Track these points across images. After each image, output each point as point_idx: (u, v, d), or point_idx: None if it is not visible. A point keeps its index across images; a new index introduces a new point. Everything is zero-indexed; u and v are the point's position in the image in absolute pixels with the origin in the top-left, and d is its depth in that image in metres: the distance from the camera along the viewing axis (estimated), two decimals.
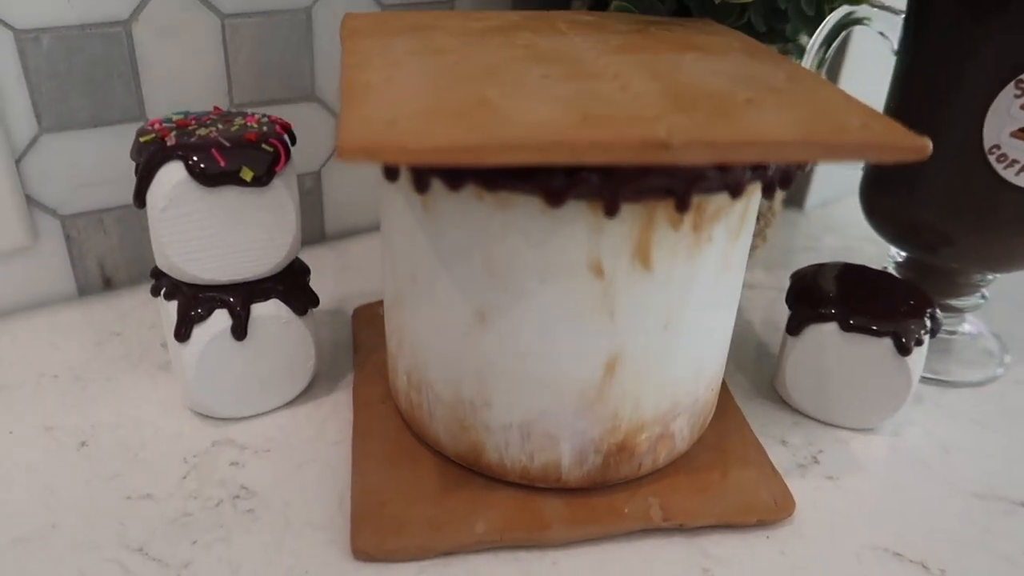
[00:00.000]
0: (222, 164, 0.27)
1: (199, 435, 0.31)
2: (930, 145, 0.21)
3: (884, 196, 0.36)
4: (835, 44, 0.37)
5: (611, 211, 0.21)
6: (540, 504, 0.27)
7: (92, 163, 0.37)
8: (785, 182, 0.24)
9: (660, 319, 0.24)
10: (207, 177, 0.27)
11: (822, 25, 0.36)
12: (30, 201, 0.36)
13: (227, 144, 0.27)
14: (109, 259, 0.39)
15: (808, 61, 0.37)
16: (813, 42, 0.36)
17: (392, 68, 0.24)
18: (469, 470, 0.28)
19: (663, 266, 0.23)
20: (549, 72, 0.24)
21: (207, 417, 0.32)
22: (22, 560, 0.25)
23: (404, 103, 0.21)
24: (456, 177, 0.22)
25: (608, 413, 0.26)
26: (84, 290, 0.40)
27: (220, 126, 0.29)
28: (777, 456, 0.32)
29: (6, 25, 0.33)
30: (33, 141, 0.35)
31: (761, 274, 0.45)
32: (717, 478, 0.29)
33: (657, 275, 0.23)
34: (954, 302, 0.38)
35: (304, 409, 0.33)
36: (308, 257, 0.35)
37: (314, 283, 0.33)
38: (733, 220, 0.24)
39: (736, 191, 0.22)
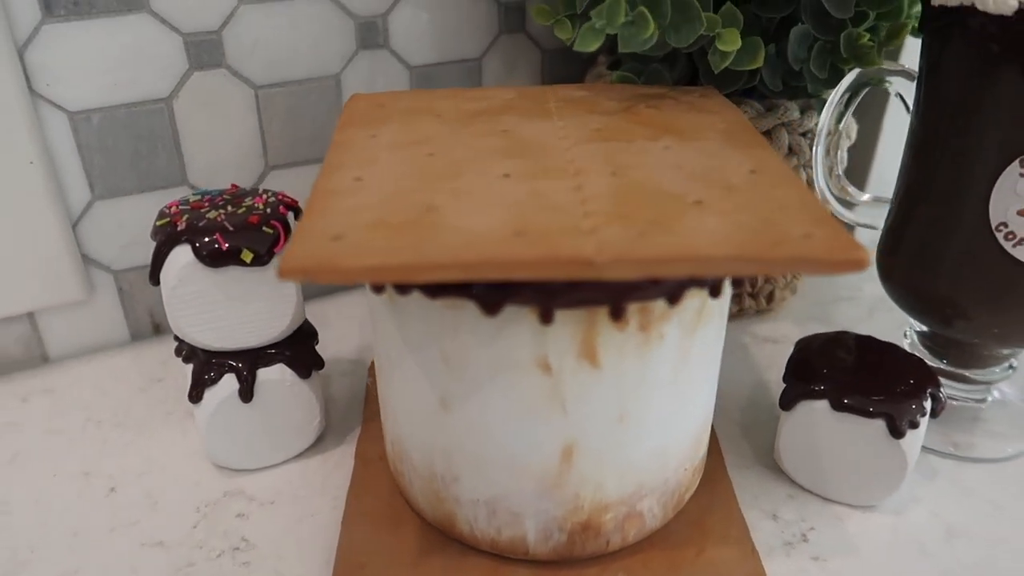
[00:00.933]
0: (225, 247, 0.29)
1: (214, 485, 0.34)
2: (867, 260, 0.21)
3: (900, 263, 0.35)
4: (854, 104, 0.36)
5: (546, 319, 0.22)
6: (509, 574, 0.28)
7: (140, 224, 0.41)
8: (737, 283, 0.24)
9: (613, 412, 0.25)
10: (211, 259, 0.29)
11: (837, 87, 0.36)
12: (86, 259, 0.40)
13: (231, 228, 0.30)
14: (157, 307, 0.43)
15: (823, 122, 0.36)
16: (828, 105, 0.36)
17: (365, 168, 0.26)
18: (447, 536, 0.30)
19: (611, 363, 0.24)
20: (512, 170, 0.25)
21: (223, 468, 0.34)
22: None
23: (357, 214, 0.23)
24: (401, 286, 0.23)
25: (569, 495, 0.26)
26: (136, 336, 0.43)
27: (229, 208, 0.31)
28: (764, 532, 0.31)
29: (60, 108, 0.37)
30: (87, 207, 0.39)
31: (788, 327, 0.45)
32: (692, 556, 0.29)
33: (606, 372, 0.24)
34: (978, 375, 0.36)
35: (313, 462, 0.35)
36: (335, 306, 0.37)
37: (338, 332, 0.35)
38: (687, 317, 0.25)
39: (674, 299, 0.22)
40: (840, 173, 0.38)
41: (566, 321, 0.23)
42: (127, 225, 0.40)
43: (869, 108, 0.37)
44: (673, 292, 0.22)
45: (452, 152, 0.27)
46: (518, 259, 0.20)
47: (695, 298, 0.24)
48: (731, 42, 0.32)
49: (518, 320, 0.23)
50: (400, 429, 0.29)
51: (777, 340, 0.43)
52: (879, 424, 0.30)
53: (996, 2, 0.26)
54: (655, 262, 0.21)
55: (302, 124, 0.43)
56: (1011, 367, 0.36)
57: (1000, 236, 0.30)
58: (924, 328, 0.37)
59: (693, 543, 0.30)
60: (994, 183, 0.29)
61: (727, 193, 0.24)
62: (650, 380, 0.25)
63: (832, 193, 0.37)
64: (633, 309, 0.23)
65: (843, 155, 0.43)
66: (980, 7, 0.26)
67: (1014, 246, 0.30)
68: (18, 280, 0.39)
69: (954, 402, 0.37)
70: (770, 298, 0.45)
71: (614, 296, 0.22)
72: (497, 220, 0.22)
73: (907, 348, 0.37)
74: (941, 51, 0.30)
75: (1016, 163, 0.29)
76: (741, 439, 0.36)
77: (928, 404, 0.31)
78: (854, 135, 0.43)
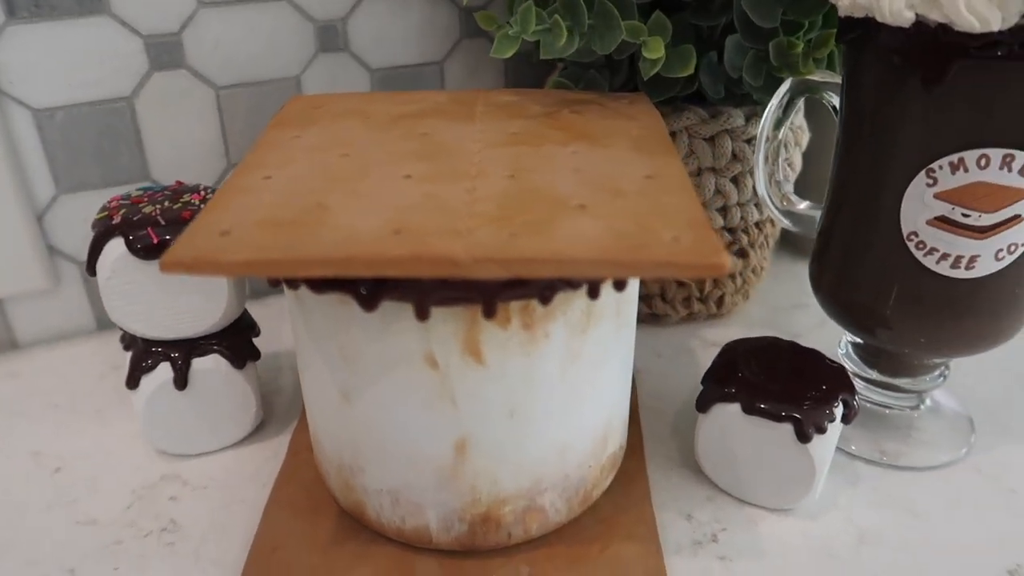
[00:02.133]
0: (155, 241, 0.31)
1: (152, 469, 0.35)
2: (726, 266, 0.21)
3: (826, 272, 0.35)
4: (793, 112, 0.36)
5: (422, 316, 0.23)
6: (415, 563, 0.29)
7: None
8: (619, 285, 0.25)
9: (503, 408, 0.26)
10: (143, 252, 0.31)
11: (774, 95, 0.36)
12: (52, 250, 0.42)
13: (163, 223, 0.31)
14: None
15: (762, 129, 0.36)
16: (766, 112, 0.36)
17: (278, 168, 0.27)
18: (361, 524, 0.31)
19: (496, 361, 0.25)
20: (416, 172, 0.26)
21: (163, 453, 0.36)
22: None
23: (252, 211, 0.24)
24: (289, 280, 0.24)
25: (466, 488, 0.27)
26: (102, 324, 0.45)
27: (167, 204, 0.33)
28: (677, 531, 0.32)
29: (25, 105, 0.39)
30: (52, 200, 0.41)
31: (738, 332, 0.45)
32: (596, 552, 0.30)
33: (491, 369, 0.25)
34: (909, 384, 0.36)
35: (249, 451, 0.36)
36: None
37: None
38: (574, 317, 0.25)
39: (545, 300, 0.23)
40: (780, 179, 0.38)
41: (446, 318, 0.24)
42: (92, 218, 0.42)
43: (830, 117, 0.38)
44: (543, 293, 0.23)
45: (366, 154, 0.28)
46: (387, 257, 0.21)
47: (578, 299, 0.25)
48: (655, 50, 0.33)
49: (400, 316, 0.24)
50: (314, 421, 0.30)
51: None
52: (787, 428, 0.31)
53: (893, 14, 0.26)
54: (518, 263, 0.21)
55: (263, 124, 0.44)
56: (943, 376, 0.36)
57: (911, 246, 0.30)
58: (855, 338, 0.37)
59: (599, 539, 0.30)
60: (903, 193, 0.30)
61: (613, 198, 0.25)
62: (538, 378, 0.26)
63: (771, 199, 0.38)
64: (514, 308, 0.24)
65: (795, 161, 0.43)
66: (880, 19, 0.27)
67: (924, 255, 0.30)
68: None
69: (887, 411, 0.37)
70: (720, 303, 0.45)
71: (485, 295, 0.23)
72: (382, 220, 0.23)
73: (841, 358, 0.38)
74: (855, 63, 0.31)
75: (923, 173, 0.29)
76: (671, 440, 0.37)
77: (839, 410, 0.31)
78: (805, 142, 0.43)
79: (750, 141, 0.41)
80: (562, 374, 0.26)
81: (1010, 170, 0.28)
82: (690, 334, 0.45)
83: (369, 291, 0.23)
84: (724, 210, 0.42)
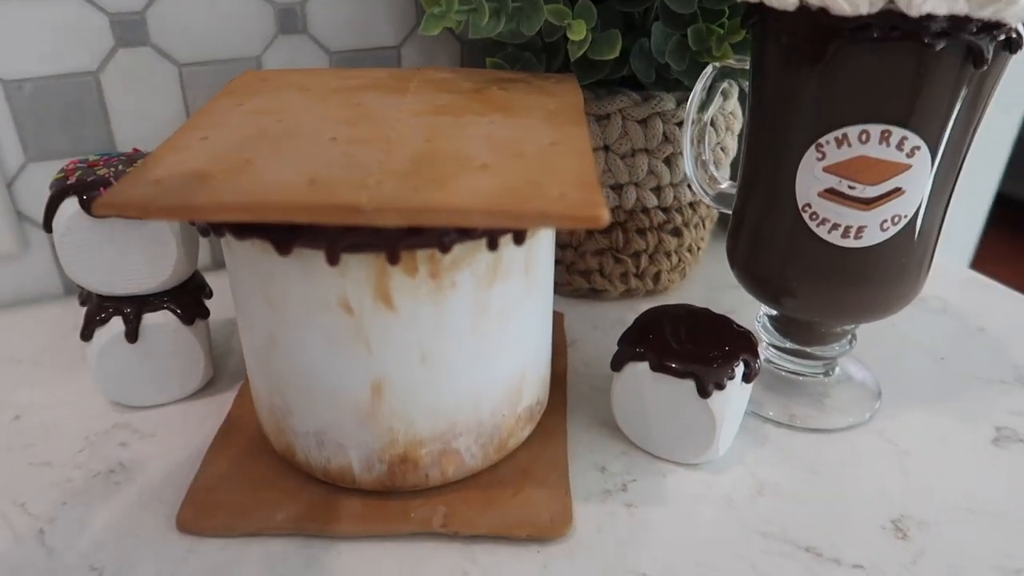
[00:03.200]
0: None
1: (105, 418, 0.37)
2: (604, 218, 0.24)
3: (738, 246, 0.38)
4: (716, 95, 0.39)
5: (332, 261, 0.25)
6: (340, 502, 0.32)
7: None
8: (518, 238, 0.27)
9: (415, 353, 0.28)
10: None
11: (698, 80, 0.38)
12: (20, 216, 0.44)
13: (115, 183, 0.33)
14: None
15: (688, 112, 0.38)
16: (691, 96, 0.38)
17: (215, 129, 0.29)
18: (291, 466, 0.33)
19: (407, 307, 0.27)
20: (340, 135, 0.29)
21: (118, 404, 0.38)
22: None
23: (184, 164, 0.26)
24: (216, 227, 0.27)
25: (384, 428, 0.30)
26: (69, 290, 0.48)
27: (121, 167, 0.35)
28: (590, 480, 0.34)
29: None
30: (21, 168, 0.43)
31: None
32: (509, 495, 0.32)
33: (402, 315, 0.27)
34: (820, 351, 0.39)
35: (199, 404, 0.39)
36: None
37: None
38: (480, 270, 0.28)
39: (444, 248, 0.26)
40: (707, 160, 0.41)
41: (357, 265, 0.26)
42: None
43: None
44: (441, 241, 0.26)
45: (299, 119, 0.31)
46: (297, 203, 0.24)
47: (480, 252, 0.27)
48: (579, 32, 0.35)
49: (315, 263, 0.26)
50: (249, 364, 0.32)
51: None
52: (689, 384, 0.33)
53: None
54: (415, 212, 0.24)
55: None
56: (850, 344, 0.39)
57: (806, 216, 0.33)
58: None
59: (512, 484, 0.33)
60: (797, 167, 0.32)
61: (515, 160, 0.27)
62: (447, 326, 0.28)
63: (696, 178, 0.40)
64: (421, 258, 0.26)
65: (728, 144, 0.46)
66: (768, 4, 0.29)
67: (818, 226, 0.33)
68: None
69: (800, 378, 0.40)
70: (656, 279, 0.48)
71: (388, 242, 0.25)
72: (300, 173, 0.25)
73: (758, 329, 0.40)
74: (758, 48, 0.33)
75: (813, 148, 0.31)
76: (595, 402, 0.39)
77: (739, 369, 0.34)
78: (737, 127, 0.46)
79: (679, 124, 0.43)
80: (472, 325, 0.29)
81: (888, 144, 0.30)
82: (627, 308, 0.48)
83: (283, 237, 0.25)
84: (658, 190, 0.44)
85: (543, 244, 0.31)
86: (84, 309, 0.37)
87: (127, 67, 0.43)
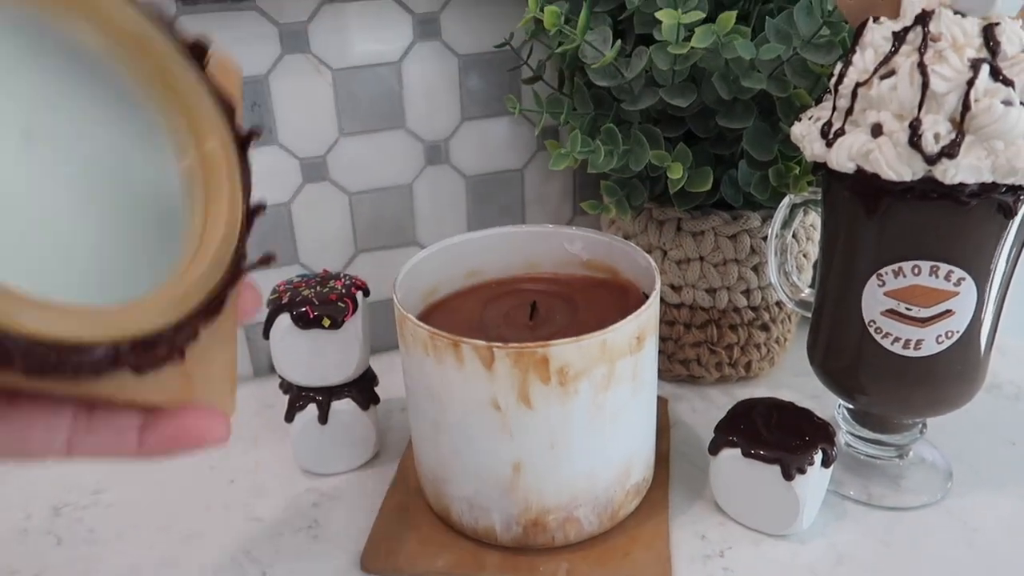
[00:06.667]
0: (311, 316, 0.44)
1: (300, 482, 0.47)
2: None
3: (817, 349, 0.44)
4: (797, 218, 0.46)
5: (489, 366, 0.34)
6: (484, 555, 0.40)
7: (266, 291, 0.56)
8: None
9: (546, 441, 0.37)
10: (302, 323, 0.44)
11: (778, 209, 0.45)
12: None
13: (316, 302, 0.44)
14: None
15: (771, 232, 0.46)
16: (773, 220, 0.46)
17: None
18: (447, 524, 0.42)
19: (541, 406, 0.36)
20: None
21: (306, 472, 0.48)
22: (185, 555, 0.43)
23: None
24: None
25: (520, 498, 0.38)
26: (259, 373, 0.59)
27: (318, 288, 0.45)
28: (692, 546, 0.41)
29: None
30: None
31: (763, 392, 0.54)
32: (620, 556, 0.40)
33: (538, 412, 0.36)
34: (893, 439, 0.44)
35: (370, 471, 0.48)
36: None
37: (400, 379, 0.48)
38: (596, 379, 0.36)
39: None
40: (790, 270, 0.48)
41: (508, 374, 0.35)
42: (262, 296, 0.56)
43: None
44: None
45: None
46: None
47: (596, 366, 0.35)
48: (676, 172, 0.43)
49: (477, 370, 0.35)
50: (416, 444, 0.42)
51: None
52: (775, 469, 0.40)
53: (839, 164, 0.36)
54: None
55: (383, 219, 0.57)
56: (920, 432, 0.44)
57: (871, 330, 0.39)
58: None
59: (623, 547, 0.40)
60: (863, 290, 0.39)
61: None
62: (571, 421, 0.36)
63: (780, 286, 0.47)
64: (553, 369, 0.35)
65: (809, 252, 0.52)
66: (831, 167, 0.37)
67: (882, 338, 0.39)
68: None
69: (876, 460, 0.45)
70: (748, 368, 0.54)
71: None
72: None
73: (837, 417, 0.46)
74: (827, 190, 0.40)
75: (874, 277, 0.38)
76: (697, 478, 0.46)
77: (818, 456, 0.40)
78: (817, 236, 0.52)
79: (766, 238, 0.50)
80: (590, 420, 0.37)
81: (937, 276, 0.36)
82: (723, 393, 0.54)
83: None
84: (747, 292, 0.51)
85: (647, 357, 0.39)
86: (286, 396, 0.47)
87: (310, 197, 0.55)
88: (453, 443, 0.38)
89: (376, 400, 0.48)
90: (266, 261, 0.25)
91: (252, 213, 0.25)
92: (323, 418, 0.46)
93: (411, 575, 0.39)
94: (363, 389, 0.47)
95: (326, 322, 0.44)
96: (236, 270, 0.23)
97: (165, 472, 0.49)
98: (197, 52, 0.23)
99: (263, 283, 0.56)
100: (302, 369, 0.45)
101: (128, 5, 0.22)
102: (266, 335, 0.45)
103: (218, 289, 0.22)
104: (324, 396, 0.46)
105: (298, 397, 0.46)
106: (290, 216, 0.55)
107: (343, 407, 0.46)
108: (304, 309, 0.44)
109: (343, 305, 0.44)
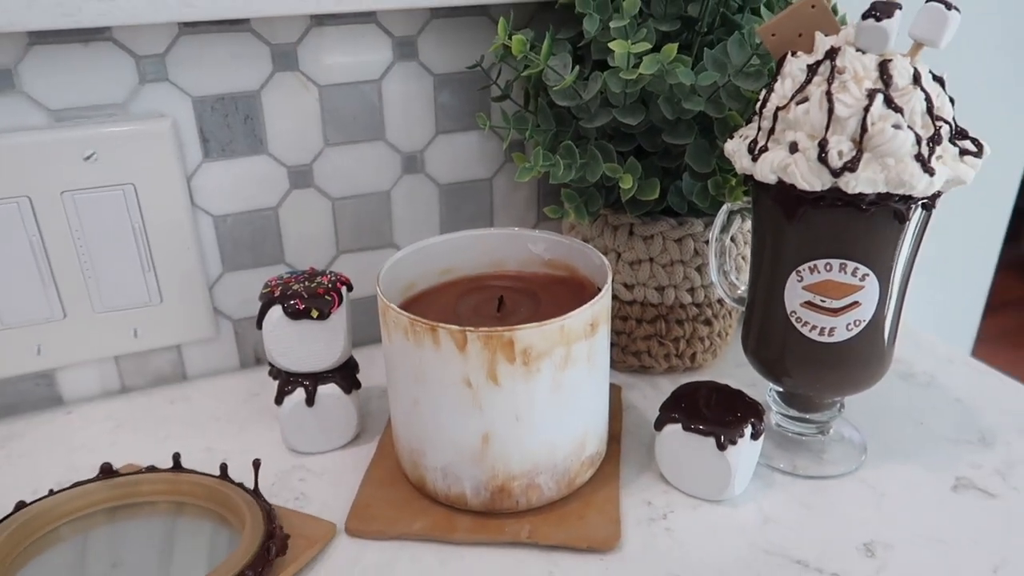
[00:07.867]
0: (301, 308, 0.48)
1: (286, 461, 0.52)
2: None
3: (750, 337, 0.50)
4: (734, 223, 0.52)
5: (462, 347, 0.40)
6: (456, 519, 0.45)
7: (254, 289, 0.61)
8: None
9: (511, 415, 0.42)
10: (293, 315, 0.48)
11: (717, 215, 0.51)
12: (216, 311, 0.61)
13: (305, 295, 0.49)
14: (259, 347, 0.63)
15: (711, 236, 0.51)
16: (713, 226, 0.52)
17: None
18: (422, 493, 0.47)
19: (507, 384, 0.41)
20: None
21: (293, 451, 0.53)
22: None
23: None
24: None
25: (488, 466, 0.43)
26: (244, 364, 0.63)
27: (306, 283, 0.50)
28: (639, 510, 0.47)
29: (208, 213, 0.58)
30: (219, 277, 0.60)
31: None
32: (575, 519, 0.45)
33: (504, 389, 0.41)
34: (815, 416, 0.51)
35: (352, 449, 0.53)
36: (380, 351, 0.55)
37: (380, 369, 0.53)
38: (556, 360, 0.41)
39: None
40: (728, 269, 0.54)
41: (479, 354, 0.40)
42: (244, 289, 0.61)
43: None
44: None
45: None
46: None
47: (556, 348, 0.41)
48: (627, 183, 0.49)
49: (452, 353, 0.40)
50: (396, 422, 0.47)
51: None
52: (711, 440, 0.46)
53: (763, 176, 0.42)
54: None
55: (363, 222, 0.62)
56: (839, 411, 0.50)
57: (793, 320, 0.45)
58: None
59: (578, 511, 0.46)
60: (785, 285, 0.45)
61: None
62: (534, 397, 0.42)
63: (720, 285, 0.53)
64: (518, 350, 0.40)
65: (747, 254, 0.58)
66: (757, 179, 0.43)
67: (801, 327, 0.45)
68: (171, 323, 0.59)
69: (802, 437, 0.52)
70: (693, 359, 0.60)
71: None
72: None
73: (768, 399, 0.52)
74: (755, 199, 0.46)
75: (794, 273, 0.44)
76: (644, 453, 0.52)
77: (748, 429, 0.46)
78: None
79: (707, 242, 0.56)
80: (550, 396, 0.42)
81: (845, 272, 0.43)
82: (670, 381, 0.60)
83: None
84: (692, 290, 0.58)
85: (600, 343, 0.44)
86: (275, 382, 0.52)
87: (297, 204, 0.60)
88: (429, 418, 0.43)
89: (358, 385, 0.53)
90: None
91: None
92: (310, 401, 0.50)
93: (391, 537, 0.44)
94: (346, 375, 0.52)
95: (314, 313, 0.49)
96: None
97: (169, 452, 0.53)
98: None
99: (256, 279, 0.61)
100: (291, 356, 0.50)
101: None
102: (259, 325, 0.50)
103: None
104: (311, 381, 0.51)
105: (287, 382, 0.51)
106: (278, 219, 0.60)
107: (328, 391, 0.51)
108: (294, 302, 0.49)
109: (330, 298, 0.49)
